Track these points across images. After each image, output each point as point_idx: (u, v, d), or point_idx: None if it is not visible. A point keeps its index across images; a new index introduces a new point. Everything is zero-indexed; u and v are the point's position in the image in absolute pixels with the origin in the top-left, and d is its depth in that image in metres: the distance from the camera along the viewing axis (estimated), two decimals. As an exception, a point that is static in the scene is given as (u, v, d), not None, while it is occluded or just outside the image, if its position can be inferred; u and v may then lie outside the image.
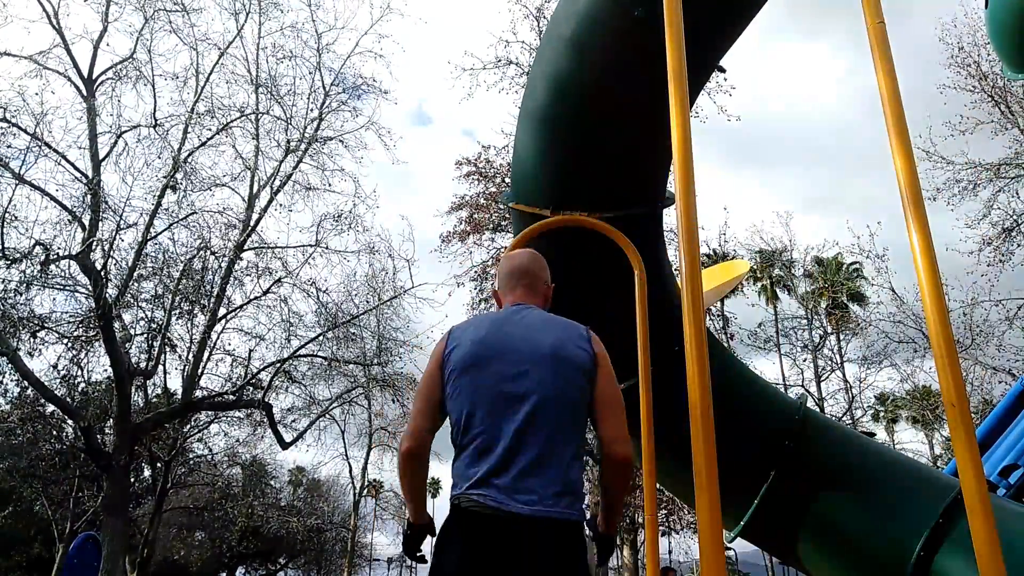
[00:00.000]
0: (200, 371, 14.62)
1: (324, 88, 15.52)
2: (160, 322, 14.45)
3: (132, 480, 18.24)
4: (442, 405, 2.04)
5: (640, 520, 17.62)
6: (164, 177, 13.44)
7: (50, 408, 17.18)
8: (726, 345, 19.45)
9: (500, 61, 17.37)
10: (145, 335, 15.00)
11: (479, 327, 2.07)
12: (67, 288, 12.76)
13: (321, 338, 15.32)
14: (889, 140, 2.15)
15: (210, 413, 18.36)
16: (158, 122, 13.58)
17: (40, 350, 13.42)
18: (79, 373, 14.51)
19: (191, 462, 22.66)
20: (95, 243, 12.00)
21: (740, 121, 16.63)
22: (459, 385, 1.97)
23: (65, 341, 13.64)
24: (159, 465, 19.41)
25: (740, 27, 3.38)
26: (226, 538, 28.04)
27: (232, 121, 14.50)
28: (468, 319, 2.36)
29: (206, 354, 14.79)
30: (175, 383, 17.27)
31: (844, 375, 23.60)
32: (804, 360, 23.78)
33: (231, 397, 15.16)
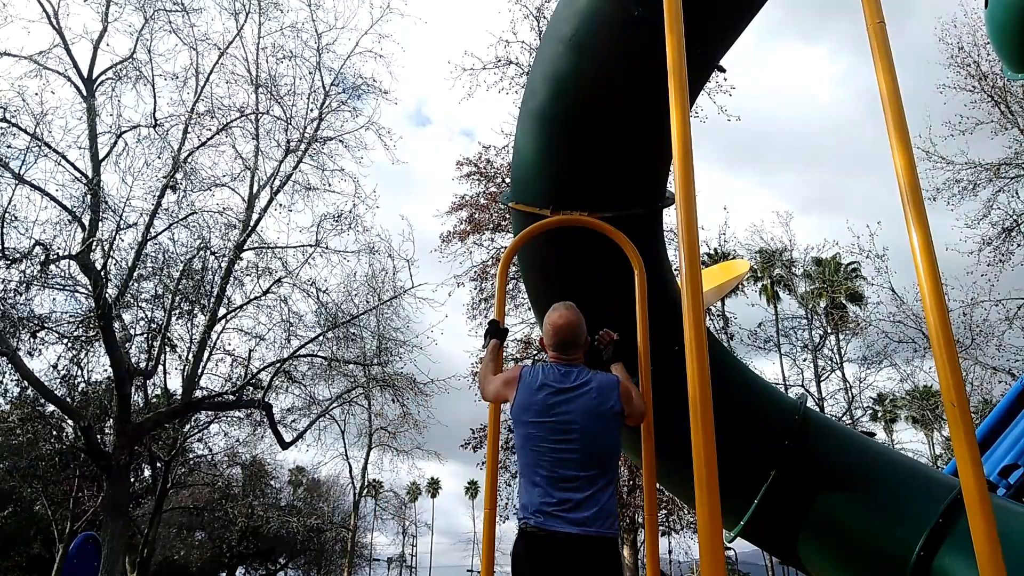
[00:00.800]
0: (200, 371, 14.64)
1: (324, 88, 15.54)
2: (160, 322, 14.46)
3: (132, 480, 18.24)
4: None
5: (640, 520, 17.63)
6: (164, 177, 13.45)
7: (50, 408, 17.18)
8: (726, 345, 19.45)
9: (500, 61, 17.38)
10: (145, 335, 15.01)
11: (544, 380, 2.69)
12: (67, 288, 12.77)
13: (321, 338, 15.33)
14: (889, 140, 2.15)
15: (210, 413, 18.36)
16: (158, 122, 13.59)
17: (40, 350, 13.44)
18: (79, 373, 14.53)
19: (191, 462, 22.67)
20: (95, 243, 12.00)
21: (740, 121, 16.62)
22: (522, 434, 2.63)
23: (65, 341, 13.65)
24: (159, 465, 19.41)
25: (740, 27, 3.38)
26: (226, 538, 28.04)
27: (232, 121, 14.51)
28: (533, 368, 2.79)
29: (206, 354, 14.81)
30: (175, 383, 17.30)
31: (844, 375, 23.60)
32: (804, 360, 23.81)
33: (231, 397, 15.16)
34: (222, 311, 14.57)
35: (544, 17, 16.68)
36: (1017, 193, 17.36)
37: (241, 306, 14.96)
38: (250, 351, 15.58)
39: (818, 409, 18.51)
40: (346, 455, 27.57)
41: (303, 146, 15.12)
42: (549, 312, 2.88)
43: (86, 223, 12.17)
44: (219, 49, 14.64)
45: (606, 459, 2.57)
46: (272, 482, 32.00)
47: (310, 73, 15.51)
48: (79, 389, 15.17)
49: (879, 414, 37.12)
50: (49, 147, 12.13)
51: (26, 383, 13.07)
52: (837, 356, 24.16)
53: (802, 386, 22.77)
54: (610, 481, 2.54)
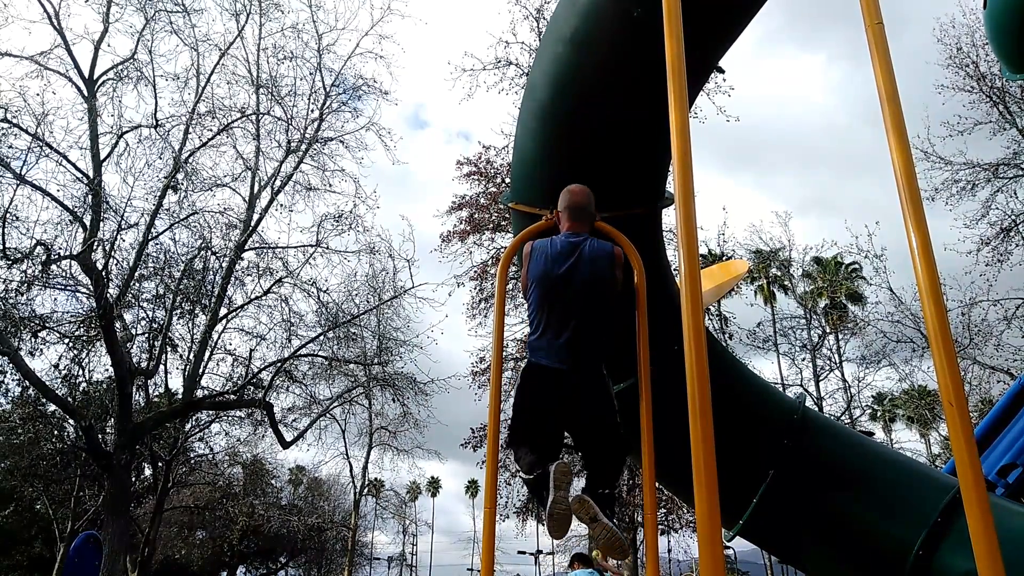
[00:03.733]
0: (201, 371, 14.65)
1: (325, 89, 15.54)
2: (161, 322, 14.48)
3: (133, 479, 18.25)
4: None
5: (640, 519, 17.63)
6: (165, 177, 13.46)
7: (51, 408, 17.20)
8: (725, 345, 19.46)
9: (500, 62, 17.37)
10: (146, 335, 15.03)
11: (551, 249, 3.12)
12: (68, 288, 12.78)
13: (322, 338, 15.34)
14: (888, 140, 2.16)
15: (211, 412, 18.39)
16: (159, 123, 13.60)
17: (41, 350, 13.46)
18: (80, 373, 14.55)
19: (192, 461, 22.70)
20: (96, 243, 12.01)
21: (739, 121, 16.61)
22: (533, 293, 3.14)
23: (66, 341, 13.67)
24: (160, 464, 19.44)
25: (739, 28, 3.39)
26: (227, 537, 28.06)
27: (233, 122, 14.51)
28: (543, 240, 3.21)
29: (207, 354, 14.81)
30: (176, 383, 17.32)
31: (843, 374, 23.60)
32: (803, 360, 23.80)
33: (232, 397, 15.18)
34: (223, 311, 14.59)
35: (544, 18, 16.68)
36: (1015, 193, 17.36)
37: (242, 306, 14.98)
38: (251, 351, 15.61)
39: (817, 409, 18.53)
40: (346, 454, 27.59)
41: (304, 146, 15.13)
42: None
43: (87, 223, 12.18)
44: (220, 50, 14.66)
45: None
46: (273, 481, 32.02)
47: (311, 74, 15.54)
48: (80, 389, 15.19)
49: (878, 414, 37.14)
50: (50, 147, 12.15)
51: (27, 383, 13.08)
52: (836, 356, 24.17)
53: (801, 385, 22.78)
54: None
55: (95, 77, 13.17)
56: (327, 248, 14.89)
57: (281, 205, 15.12)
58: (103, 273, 12.07)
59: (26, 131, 11.93)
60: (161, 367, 15.69)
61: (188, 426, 19.37)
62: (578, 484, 3.09)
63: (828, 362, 24.01)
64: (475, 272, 18.33)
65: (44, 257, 11.88)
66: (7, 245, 11.46)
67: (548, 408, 3.00)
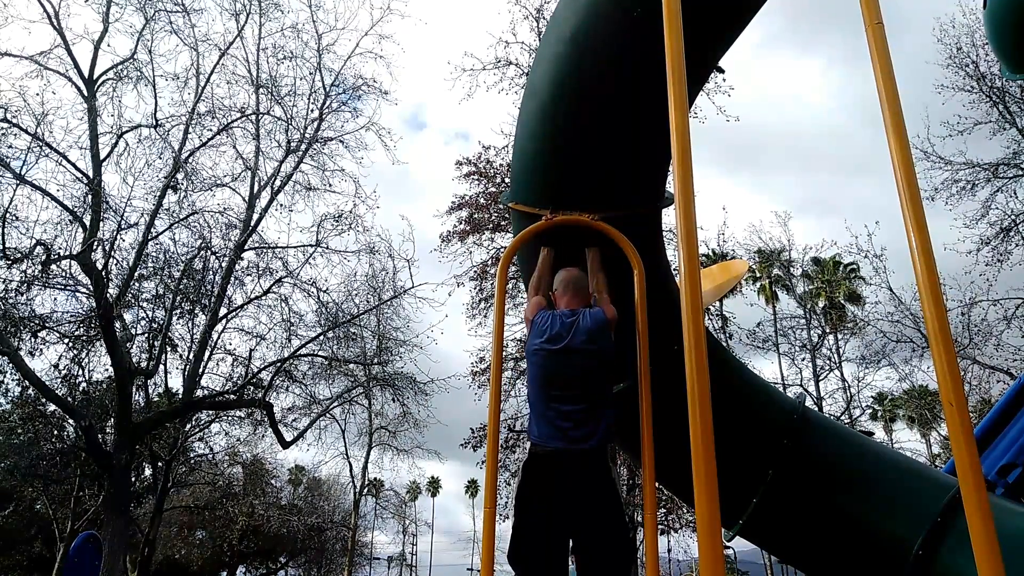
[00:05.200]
0: (201, 371, 14.65)
1: (324, 89, 15.55)
2: (161, 322, 14.48)
3: (133, 479, 18.26)
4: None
5: (640, 519, 17.64)
6: (165, 177, 13.46)
7: (51, 407, 17.19)
8: (725, 344, 19.46)
9: (500, 62, 17.36)
10: (146, 335, 15.04)
11: (551, 326, 3.14)
12: (68, 288, 12.78)
13: (321, 338, 15.34)
14: (887, 140, 2.16)
15: (211, 412, 18.38)
16: (159, 122, 13.61)
17: (41, 350, 13.46)
18: (80, 373, 14.54)
19: (192, 461, 22.68)
20: (96, 243, 12.01)
21: (739, 121, 16.60)
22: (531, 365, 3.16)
23: (66, 341, 13.67)
24: (160, 464, 19.42)
25: (739, 28, 3.39)
26: (227, 537, 28.05)
27: (233, 122, 14.52)
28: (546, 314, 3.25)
29: (207, 354, 14.82)
30: (176, 382, 17.32)
31: (842, 374, 23.60)
32: (802, 359, 23.79)
33: (232, 396, 15.18)
34: (223, 311, 14.59)
35: (544, 18, 16.67)
36: (1015, 193, 17.36)
37: (242, 306, 14.98)
38: (251, 351, 15.62)
39: (817, 409, 18.53)
40: (346, 454, 27.58)
41: (304, 146, 15.14)
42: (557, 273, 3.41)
43: (87, 223, 12.18)
44: (220, 50, 14.67)
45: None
46: (273, 481, 32.00)
47: (311, 74, 15.55)
48: (80, 389, 15.18)
49: (878, 413, 37.14)
50: (50, 147, 12.14)
51: (27, 383, 13.08)
52: (835, 356, 24.16)
53: (801, 385, 22.77)
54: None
55: (95, 77, 13.17)
56: (327, 248, 14.91)
57: (281, 205, 15.15)
58: (103, 273, 12.06)
59: (26, 131, 11.93)
60: (161, 367, 15.69)
61: (188, 426, 19.35)
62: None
63: (828, 362, 24.01)
64: (475, 272, 18.33)
65: (44, 257, 11.87)
66: (7, 245, 11.46)
67: (552, 504, 2.83)
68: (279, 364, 15.19)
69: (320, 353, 15.81)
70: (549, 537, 2.86)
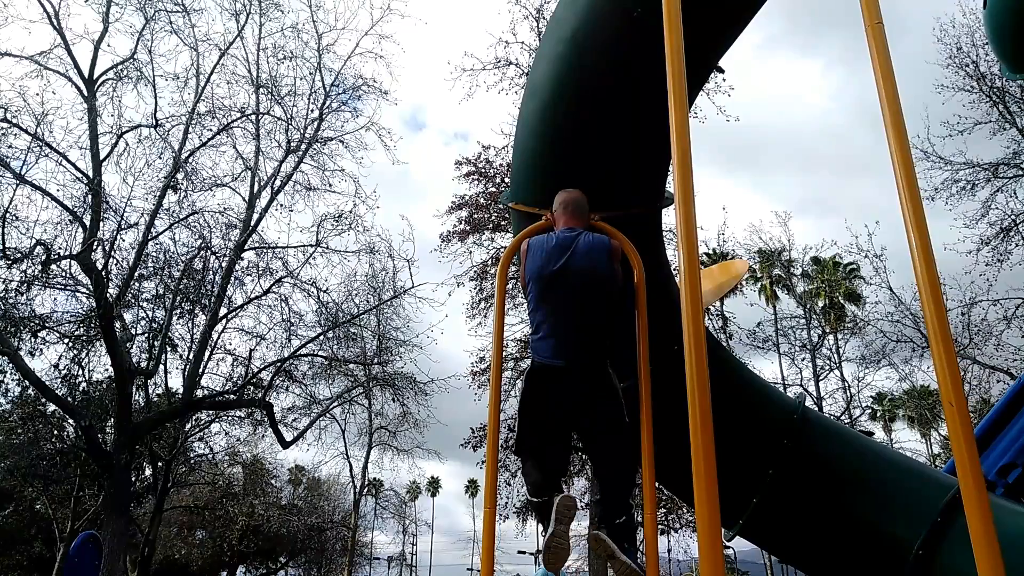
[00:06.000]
0: (201, 370, 14.65)
1: (324, 89, 15.54)
2: (161, 322, 14.48)
3: (133, 479, 18.24)
4: None
5: (640, 519, 17.64)
6: (165, 177, 13.46)
7: (51, 407, 17.21)
8: (724, 344, 19.45)
9: (500, 62, 17.36)
10: (146, 335, 15.03)
11: (548, 244, 3.12)
12: (68, 288, 12.78)
13: (321, 338, 15.35)
14: (887, 140, 2.16)
15: (211, 412, 18.39)
16: (159, 122, 13.60)
17: (41, 350, 13.47)
18: (80, 373, 14.54)
19: (192, 461, 22.67)
20: (96, 243, 12.01)
21: (739, 121, 16.59)
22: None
23: (66, 341, 13.67)
24: (160, 464, 19.43)
25: (739, 28, 3.40)
26: (227, 537, 28.04)
27: (233, 121, 14.52)
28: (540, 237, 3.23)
29: (207, 353, 14.81)
30: (176, 382, 17.32)
31: (842, 374, 23.60)
32: (802, 359, 23.79)
33: (232, 396, 15.19)
34: (223, 311, 14.59)
35: (544, 18, 16.67)
36: (1015, 193, 17.35)
37: (242, 306, 14.98)
38: (251, 351, 15.61)
39: (817, 409, 18.53)
40: (346, 454, 27.58)
41: (304, 146, 15.13)
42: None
43: (87, 223, 12.18)
44: (220, 50, 14.66)
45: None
46: (273, 481, 32.00)
47: (311, 74, 15.54)
48: (80, 389, 15.18)
49: (878, 413, 37.15)
50: (50, 147, 12.14)
51: (27, 382, 13.08)
52: (835, 355, 24.17)
53: (801, 385, 22.77)
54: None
55: (95, 77, 13.17)
56: (327, 248, 14.91)
57: (281, 205, 15.15)
58: (103, 273, 12.06)
59: (26, 131, 11.93)
60: (161, 367, 15.69)
61: (188, 426, 19.36)
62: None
63: (828, 362, 24.01)
64: (475, 272, 18.33)
65: (44, 257, 11.87)
66: (7, 245, 11.46)
67: (553, 410, 2.95)
68: (279, 364, 15.19)
69: (320, 353, 15.82)
70: (553, 432, 3.00)
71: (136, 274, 13.26)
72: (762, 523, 3.82)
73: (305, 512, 30.91)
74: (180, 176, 13.54)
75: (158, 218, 13.32)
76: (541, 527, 2.95)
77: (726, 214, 40.77)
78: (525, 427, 3.00)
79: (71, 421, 16.09)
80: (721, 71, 3.63)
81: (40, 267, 12.03)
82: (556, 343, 2.96)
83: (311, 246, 14.80)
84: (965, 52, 17.40)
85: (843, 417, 21.73)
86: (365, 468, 28.91)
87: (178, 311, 14.82)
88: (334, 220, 15.04)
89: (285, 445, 15.98)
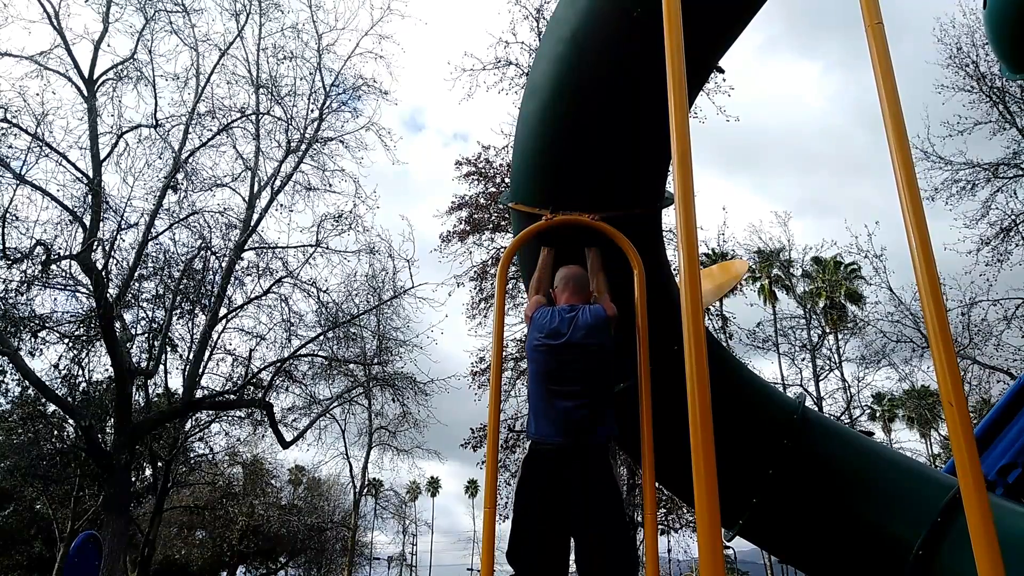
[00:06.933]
0: (201, 371, 14.64)
1: (324, 89, 15.55)
2: (161, 322, 14.48)
3: (133, 479, 18.25)
4: None
5: (640, 519, 17.64)
6: (165, 177, 13.46)
7: (51, 408, 17.19)
8: (725, 344, 19.45)
9: (500, 62, 17.36)
10: (146, 335, 15.03)
11: (549, 321, 3.14)
12: (68, 288, 12.78)
13: (321, 338, 15.35)
14: (887, 140, 2.16)
15: (211, 412, 18.39)
16: (159, 122, 13.61)
17: (41, 350, 13.47)
18: (80, 373, 14.53)
19: (192, 461, 22.67)
20: (96, 243, 12.01)
21: (739, 122, 16.59)
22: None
23: (66, 341, 13.67)
24: (160, 464, 19.42)
25: (739, 27, 3.39)
26: (227, 537, 28.04)
27: (233, 122, 14.52)
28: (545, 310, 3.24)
29: (207, 354, 14.81)
30: (176, 383, 17.33)
31: (842, 374, 23.60)
32: (802, 359, 23.80)
33: (232, 396, 15.18)
34: (223, 311, 14.58)
35: (544, 18, 16.66)
36: (1015, 193, 17.36)
37: (242, 306, 14.98)
38: (251, 351, 15.62)
39: (817, 409, 18.52)
40: (346, 454, 27.58)
41: (304, 146, 15.13)
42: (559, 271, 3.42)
43: (87, 223, 12.18)
44: (220, 50, 14.66)
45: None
46: (273, 481, 32.01)
47: (311, 74, 15.54)
48: (80, 389, 15.18)
49: (877, 413, 37.15)
50: (50, 147, 12.14)
51: (27, 383, 13.08)
52: (835, 356, 24.17)
53: (801, 385, 22.78)
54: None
55: (95, 77, 13.17)
56: (327, 248, 14.91)
57: (281, 205, 15.15)
58: (103, 273, 12.06)
59: (26, 131, 11.93)
60: (161, 367, 15.68)
61: (188, 426, 19.36)
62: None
63: (828, 362, 24.02)
64: (475, 272, 18.33)
65: (44, 257, 11.87)
66: (7, 245, 11.46)
67: (551, 500, 2.82)
68: (279, 364, 15.19)
69: (320, 353, 15.82)
70: (549, 535, 2.83)
71: (136, 274, 13.26)
72: (762, 523, 3.82)
73: (305, 512, 30.92)
74: (180, 176, 13.54)
75: (158, 218, 13.33)
76: None
77: (726, 214, 40.83)
78: (521, 527, 2.89)
79: (71, 421, 16.09)
80: (721, 71, 3.63)
81: (40, 267, 12.02)
82: (557, 421, 2.91)
83: (311, 246, 14.81)
84: (965, 52, 17.42)
85: (843, 417, 21.74)
86: (365, 468, 28.93)
87: (178, 311, 14.83)
88: (334, 220, 15.06)
89: (285, 445, 15.98)
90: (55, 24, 12.75)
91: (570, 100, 3.34)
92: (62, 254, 12.01)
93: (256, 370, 15.19)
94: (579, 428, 2.87)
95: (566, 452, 2.84)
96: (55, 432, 18.30)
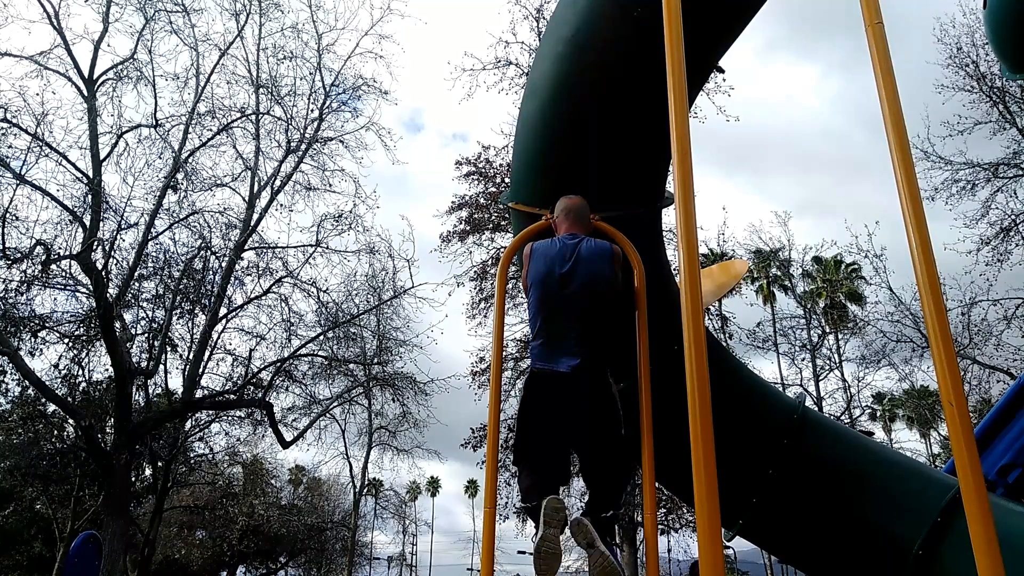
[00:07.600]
0: (201, 370, 14.65)
1: (324, 89, 15.55)
2: (161, 322, 14.48)
3: (133, 479, 18.24)
4: None
5: (640, 518, 17.63)
6: (165, 177, 13.46)
7: (51, 407, 17.19)
8: (724, 344, 19.46)
9: (500, 62, 17.37)
10: (146, 335, 15.03)
11: (551, 250, 3.12)
12: (68, 288, 12.79)
13: (321, 338, 15.35)
14: (887, 140, 2.16)
15: (211, 412, 18.38)
16: (159, 122, 13.61)
17: (41, 350, 13.47)
18: (80, 373, 14.53)
19: (192, 461, 22.66)
20: (96, 243, 12.01)
21: (739, 122, 16.59)
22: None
23: (66, 341, 13.67)
24: (160, 464, 19.42)
25: (739, 27, 3.40)
26: (227, 537, 28.02)
27: (233, 121, 14.53)
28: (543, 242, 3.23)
29: (207, 353, 14.81)
30: (176, 382, 17.31)
31: (842, 374, 23.60)
32: (802, 359, 23.79)
33: (232, 396, 15.18)
34: (223, 311, 14.59)
35: (544, 18, 16.67)
36: (1015, 193, 17.36)
37: (242, 306, 14.99)
38: (251, 350, 15.62)
39: (817, 409, 18.52)
40: (346, 454, 27.57)
41: (304, 146, 15.14)
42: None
43: (87, 223, 12.18)
44: (220, 50, 14.67)
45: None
46: (273, 481, 32.02)
47: (311, 74, 15.55)
48: (80, 389, 15.18)
49: (877, 413, 37.14)
50: (50, 147, 12.15)
51: (27, 382, 13.08)
52: (835, 355, 24.17)
53: (801, 385, 22.78)
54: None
55: (95, 77, 13.18)
56: (327, 248, 14.92)
57: (281, 205, 15.16)
58: (103, 273, 12.06)
59: (26, 131, 11.94)
60: (161, 367, 15.69)
61: (188, 426, 19.35)
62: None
63: (828, 362, 24.02)
64: (475, 272, 18.34)
65: (44, 257, 11.87)
66: (7, 245, 11.46)
67: (552, 416, 2.93)
68: (279, 364, 15.19)
69: (320, 353, 15.82)
70: (552, 441, 2.98)
71: (136, 274, 13.27)
72: (762, 523, 3.82)
73: (305, 512, 30.91)
74: (180, 176, 13.55)
75: (158, 218, 13.34)
76: (532, 532, 2.93)
77: (726, 214, 40.83)
78: (522, 437, 3.01)
79: (71, 421, 16.08)
80: (721, 71, 3.63)
81: (40, 267, 12.03)
82: (557, 349, 2.95)
83: (311, 246, 14.81)
84: (965, 52, 17.42)
85: (843, 417, 21.73)
86: (365, 468, 28.92)
87: (178, 311, 14.83)
88: (334, 220, 15.07)
89: (285, 445, 15.99)
90: (55, 24, 12.76)
91: (570, 100, 3.34)
92: (62, 254, 12.02)
93: (256, 370, 15.20)
94: (579, 358, 2.91)
95: (566, 378, 2.90)
96: (55, 432, 18.30)
